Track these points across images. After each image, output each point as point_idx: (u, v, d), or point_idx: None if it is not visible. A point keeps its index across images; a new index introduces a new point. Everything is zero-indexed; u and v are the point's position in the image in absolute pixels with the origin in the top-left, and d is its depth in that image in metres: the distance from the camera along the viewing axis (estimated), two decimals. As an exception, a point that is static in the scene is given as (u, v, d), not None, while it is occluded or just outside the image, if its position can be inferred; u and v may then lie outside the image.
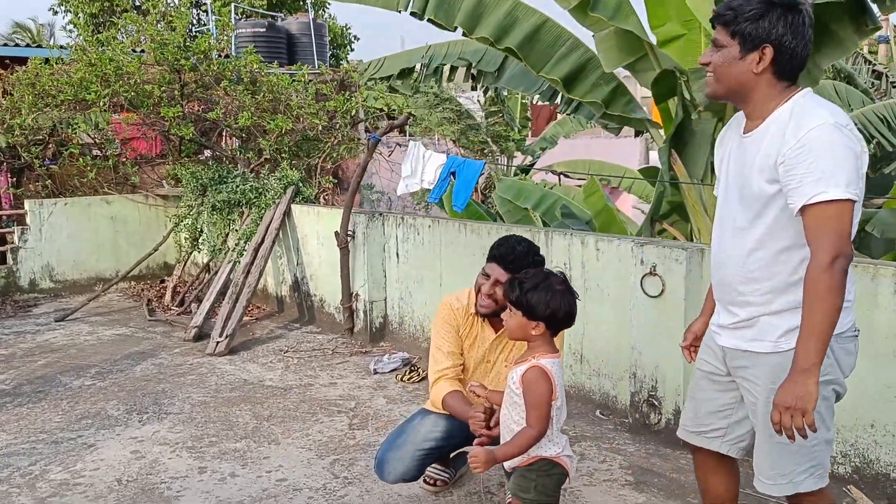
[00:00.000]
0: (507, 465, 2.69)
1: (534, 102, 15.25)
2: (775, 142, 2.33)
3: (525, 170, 13.92)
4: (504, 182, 9.25)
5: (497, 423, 2.97)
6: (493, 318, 3.46)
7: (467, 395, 3.43)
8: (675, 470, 4.05)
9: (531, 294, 2.61)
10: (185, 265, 8.62)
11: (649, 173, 6.53)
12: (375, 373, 5.77)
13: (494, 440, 2.95)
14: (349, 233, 6.59)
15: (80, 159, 9.03)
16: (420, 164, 6.12)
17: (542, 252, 3.41)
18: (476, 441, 3.04)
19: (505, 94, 15.30)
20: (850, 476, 3.76)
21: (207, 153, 9.61)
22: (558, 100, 6.68)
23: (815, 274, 2.25)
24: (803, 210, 2.27)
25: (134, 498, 3.82)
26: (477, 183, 5.84)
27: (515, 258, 3.30)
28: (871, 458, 3.69)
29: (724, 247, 2.57)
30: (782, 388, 2.26)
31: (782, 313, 2.43)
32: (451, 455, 3.89)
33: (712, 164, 6.30)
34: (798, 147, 2.26)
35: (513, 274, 3.30)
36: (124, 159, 9.25)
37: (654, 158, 21.47)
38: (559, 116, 19.36)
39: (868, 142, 8.42)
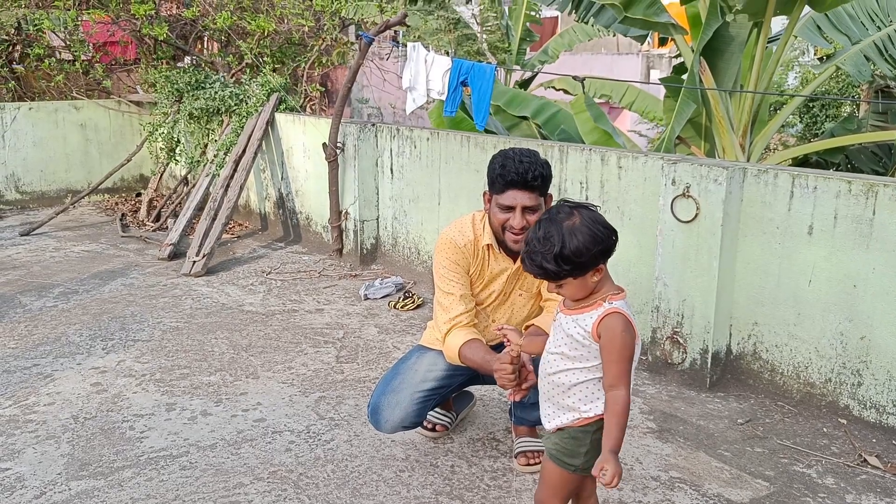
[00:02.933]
0: (551, 425, 2.17)
1: (538, 15, 14.24)
2: None
3: (524, 84, 13.12)
4: (497, 88, 8.45)
5: (527, 376, 2.48)
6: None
7: (485, 336, 2.94)
8: (701, 416, 3.62)
9: (567, 250, 2.02)
10: (161, 177, 8.02)
11: (671, 83, 5.88)
12: (366, 298, 5.28)
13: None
14: (339, 145, 5.99)
15: (46, 61, 8.33)
16: (423, 72, 5.37)
17: (555, 171, 2.81)
18: (509, 395, 2.55)
19: (507, 6, 14.34)
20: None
21: (187, 60, 8.89)
22: (579, 8, 5.96)
23: None
24: None
25: (90, 438, 3.35)
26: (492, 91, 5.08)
27: (540, 174, 2.71)
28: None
29: None
30: None
31: None
32: (454, 396, 3.43)
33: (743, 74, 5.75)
34: None
35: (539, 192, 2.75)
36: (96, 63, 8.53)
37: (655, 77, 20.67)
38: (559, 29, 18.41)
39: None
